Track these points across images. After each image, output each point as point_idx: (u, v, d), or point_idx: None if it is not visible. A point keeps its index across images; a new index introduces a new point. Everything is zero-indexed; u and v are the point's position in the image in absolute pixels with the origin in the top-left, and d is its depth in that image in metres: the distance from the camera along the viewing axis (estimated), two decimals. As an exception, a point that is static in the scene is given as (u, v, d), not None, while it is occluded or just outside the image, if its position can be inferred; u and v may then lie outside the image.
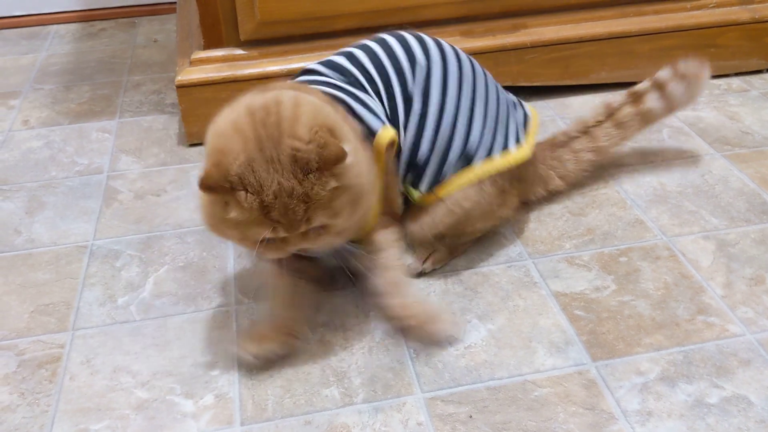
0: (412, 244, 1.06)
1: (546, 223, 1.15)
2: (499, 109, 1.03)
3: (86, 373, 0.92)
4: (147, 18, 2.01)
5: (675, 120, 1.41)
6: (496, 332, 0.96)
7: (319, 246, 0.85)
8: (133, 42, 1.88)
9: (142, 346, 0.95)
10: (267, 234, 0.80)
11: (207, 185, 0.78)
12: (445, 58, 1.00)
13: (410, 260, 1.05)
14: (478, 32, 1.44)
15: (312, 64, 1.00)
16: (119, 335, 0.97)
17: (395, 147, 0.96)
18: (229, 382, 0.90)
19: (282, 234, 0.80)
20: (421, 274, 1.05)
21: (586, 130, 1.17)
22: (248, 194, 0.78)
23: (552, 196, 1.18)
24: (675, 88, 1.17)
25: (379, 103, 0.96)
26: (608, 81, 1.51)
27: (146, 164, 1.35)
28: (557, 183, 1.16)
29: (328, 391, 0.88)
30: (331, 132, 0.81)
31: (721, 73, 1.55)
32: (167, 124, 1.48)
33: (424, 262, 1.05)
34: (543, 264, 1.07)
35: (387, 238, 0.98)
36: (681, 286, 1.02)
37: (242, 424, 0.85)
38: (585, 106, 1.46)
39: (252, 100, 0.85)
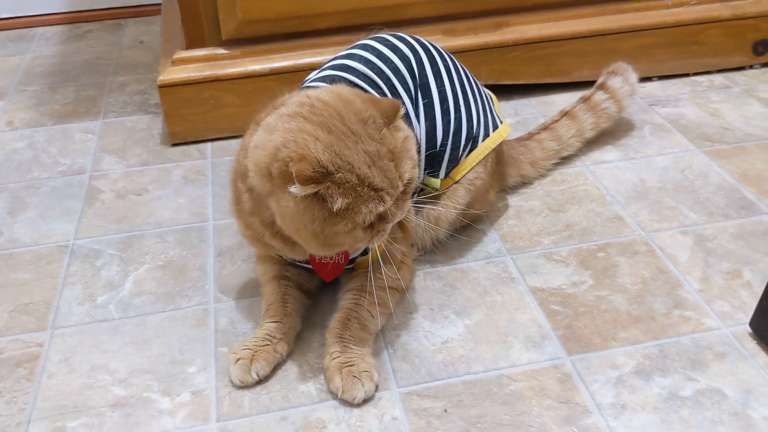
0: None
1: (525, 219, 1.16)
2: (481, 91, 1.10)
3: (64, 372, 0.92)
4: (133, 20, 2.01)
5: (656, 116, 1.42)
6: (473, 327, 0.96)
7: (404, 214, 0.85)
8: (119, 43, 1.88)
9: (120, 345, 0.96)
10: (379, 207, 0.79)
11: (307, 177, 0.75)
12: (428, 51, 1.04)
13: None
14: (460, 30, 1.44)
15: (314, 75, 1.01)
16: (98, 334, 0.98)
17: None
18: (206, 379, 0.90)
19: (389, 201, 0.80)
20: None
21: (545, 127, 1.27)
22: (345, 173, 0.77)
23: (524, 182, 1.23)
24: (613, 81, 1.30)
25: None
26: (590, 78, 1.51)
27: (129, 164, 1.35)
28: (528, 168, 1.22)
29: (304, 387, 0.88)
30: (374, 101, 0.84)
31: (703, 70, 1.55)
32: (150, 124, 1.48)
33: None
34: (521, 260, 1.07)
35: (400, 252, 0.97)
36: (658, 280, 1.02)
37: (218, 420, 0.85)
38: (567, 103, 1.47)
39: (289, 100, 0.86)
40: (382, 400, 0.86)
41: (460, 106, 1.03)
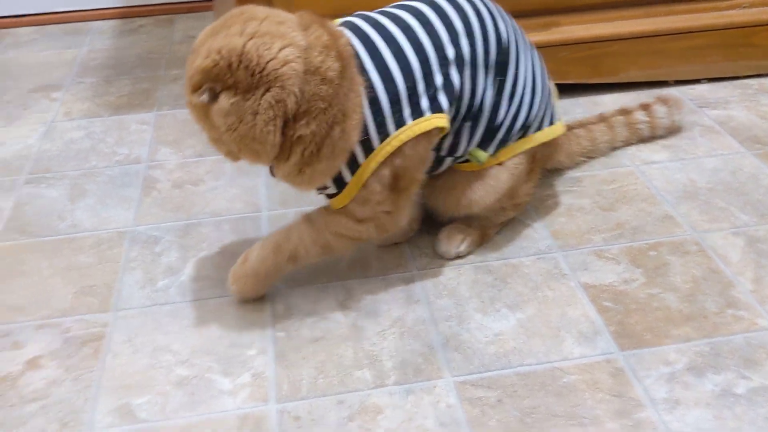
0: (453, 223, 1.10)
1: (576, 217, 1.17)
2: (545, 83, 1.09)
3: (128, 352, 0.95)
4: (185, 15, 2.06)
5: (706, 118, 1.42)
6: (525, 321, 0.97)
7: None
8: (170, 38, 1.92)
9: (180, 327, 0.99)
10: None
11: None
12: (516, 32, 1.04)
13: (443, 246, 1.08)
14: (510, 30, 1.45)
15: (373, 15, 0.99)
16: (159, 316, 1.01)
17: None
18: (265, 362, 0.93)
19: None
20: (455, 258, 1.08)
21: (582, 125, 1.30)
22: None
23: (554, 168, 1.26)
24: (658, 108, 1.34)
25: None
26: (639, 79, 1.52)
27: (184, 155, 1.39)
28: (563, 158, 1.25)
29: (360, 373, 0.91)
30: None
31: (754, 73, 1.55)
32: (204, 117, 1.52)
33: (459, 245, 1.07)
34: (572, 257, 1.08)
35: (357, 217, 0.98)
36: (710, 280, 1.03)
37: (277, 401, 0.87)
38: (615, 104, 1.47)
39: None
40: (436, 388, 0.88)
41: (525, 93, 1.03)
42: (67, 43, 1.90)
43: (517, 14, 1.46)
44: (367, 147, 0.92)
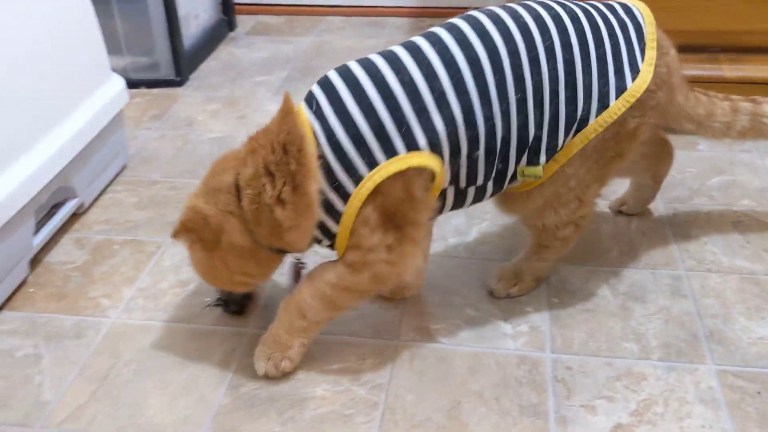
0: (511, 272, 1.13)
1: None
2: (604, 52, 0.97)
3: (425, 291, 1.15)
4: (469, 19, 2.27)
5: None
6: (790, 333, 1.04)
7: None
8: (455, 38, 2.14)
9: (468, 279, 1.17)
10: None
11: None
12: (527, 33, 0.94)
13: (495, 283, 1.12)
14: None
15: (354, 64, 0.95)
16: (450, 267, 1.20)
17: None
18: (541, 320, 1.08)
19: None
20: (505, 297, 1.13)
21: (727, 98, 1.16)
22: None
23: (670, 130, 1.17)
24: None
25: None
26: None
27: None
28: (683, 122, 1.13)
29: (627, 345, 1.03)
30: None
31: None
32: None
33: (513, 286, 1.12)
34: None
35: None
36: None
37: (552, 352, 1.02)
38: None
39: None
40: (698, 371, 0.98)
41: (558, 92, 0.94)
42: (369, 33, 2.19)
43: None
44: (343, 193, 0.91)
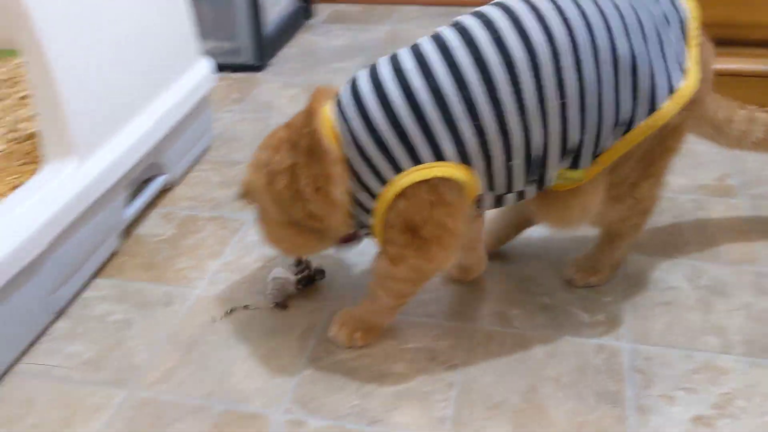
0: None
1: None
2: (650, 50, 0.89)
3: (499, 278, 1.16)
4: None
5: None
6: None
7: None
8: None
9: (544, 267, 1.17)
10: None
11: None
12: (572, 36, 0.87)
13: (574, 273, 1.13)
14: None
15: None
16: (525, 255, 1.20)
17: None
18: (618, 309, 1.08)
19: None
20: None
21: (743, 106, 1.12)
22: None
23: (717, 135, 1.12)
24: None
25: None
26: None
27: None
28: (704, 127, 1.11)
29: (707, 338, 1.02)
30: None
31: None
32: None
33: (592, 276, 1.12)
34: None
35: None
36: None
37: (629, 342, 1.02)
38: None
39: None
40: (781, 368, 0.97)
41: (602, 96, 0.88)
42: (442, 23, 2.19)
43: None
44: (372, 194, 0.93)
